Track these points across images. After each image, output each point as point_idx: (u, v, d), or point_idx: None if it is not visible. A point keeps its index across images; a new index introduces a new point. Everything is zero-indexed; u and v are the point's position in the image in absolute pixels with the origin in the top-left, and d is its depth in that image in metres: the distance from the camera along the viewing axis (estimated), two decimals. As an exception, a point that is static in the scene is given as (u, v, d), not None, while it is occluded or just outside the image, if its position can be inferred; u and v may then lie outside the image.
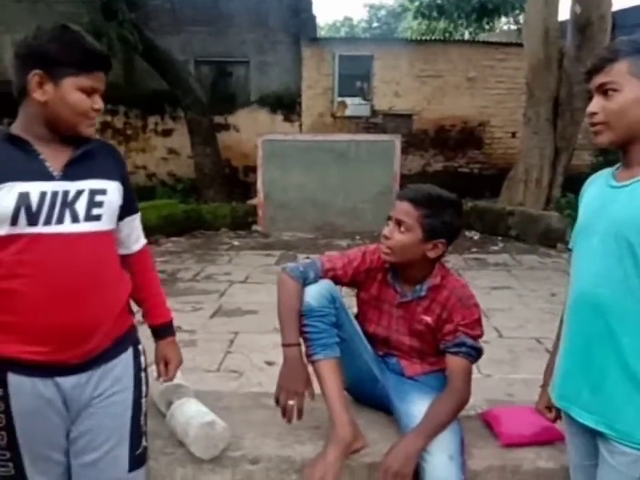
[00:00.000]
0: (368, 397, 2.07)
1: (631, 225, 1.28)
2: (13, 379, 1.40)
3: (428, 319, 1.88)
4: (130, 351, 1.60)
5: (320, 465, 1.70)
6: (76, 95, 1.39)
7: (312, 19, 12.32)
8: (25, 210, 1.34)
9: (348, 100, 11.47)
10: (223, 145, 10.96)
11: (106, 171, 1.51)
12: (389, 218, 1.87)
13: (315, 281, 1.90)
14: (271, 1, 11.53)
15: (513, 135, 11.34)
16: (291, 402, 1.77)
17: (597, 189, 1.46)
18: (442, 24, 17.59)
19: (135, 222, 1.67)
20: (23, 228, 1.35)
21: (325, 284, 1.89)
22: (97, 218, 1.45)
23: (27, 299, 1.37)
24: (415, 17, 18.55)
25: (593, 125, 1.38)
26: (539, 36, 8.33)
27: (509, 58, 11.22)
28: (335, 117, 11.49)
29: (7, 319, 1.38)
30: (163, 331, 1.78)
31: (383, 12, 30.42)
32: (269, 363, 3.66)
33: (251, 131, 10.65)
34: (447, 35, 16.91)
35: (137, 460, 1.59)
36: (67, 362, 1.43)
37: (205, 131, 10.44)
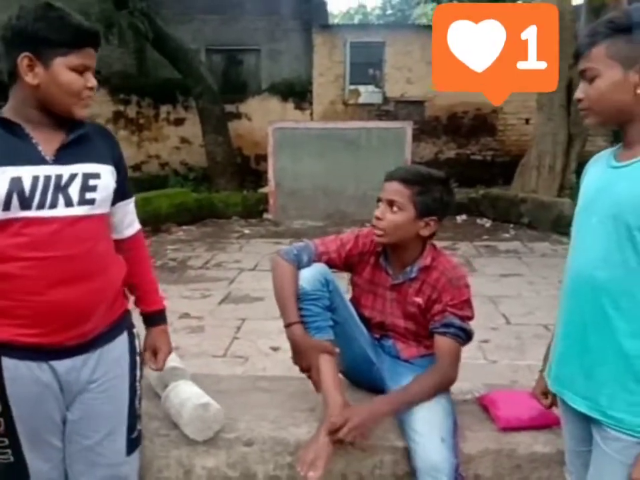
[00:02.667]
0: (364, 380, 2.06)
1: (630, 207, 1.23)
2: (8, 363, 1.40)
3: (419, 300, 1.87)
4: (125, 335, 1.60)
5: (312, 446, 1.70)
6: (68, 75, 1.36)
7: (323, 5, 12.28)
8: (18, 195, 1.33)
9: (361, 88, 11.40)
10: (234, 134, 10.97)
11: (99, 155, 1.49)
12: (379, 200, 1.86)
13: (309, 264, 1.90)
14: (281, -12, 11.51)
15: (527, 121, 11.20)
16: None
17: (598, 169, 1.41)
18: (456, 10, 17.40)
19: (128, 207, 1.66)
20: (15, 212, 1.34)
21: (319, 267, 1.89)
22: (91, 202, 1.44)
23: (22, 281, 1.37)
24: (427, 1, 18.36)
25: (580, 110, 1.36)
26: (552, 20, 8.18)
27: (523, 43, 11.04)
28: (347, 105, 11.44)
29: (0, 303, 1.38)
30: (156, 318, 1.76)
31: (396, -1, 30.11)
32: (274, 349, 3.67)
33: (262, 119, 10.62)
34: (461, 20, 16.72)
35: (134, 443, 1.61)
36: (62, 344, 1.43)
37: (217, 120, 10.45)
